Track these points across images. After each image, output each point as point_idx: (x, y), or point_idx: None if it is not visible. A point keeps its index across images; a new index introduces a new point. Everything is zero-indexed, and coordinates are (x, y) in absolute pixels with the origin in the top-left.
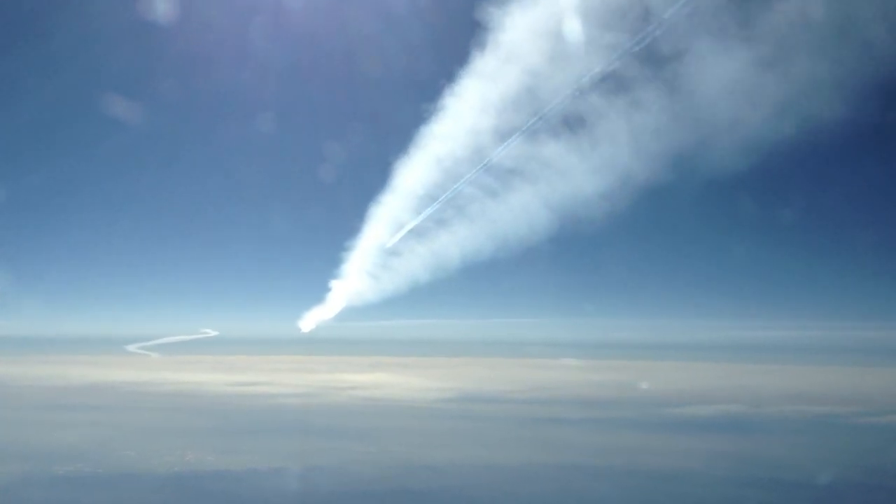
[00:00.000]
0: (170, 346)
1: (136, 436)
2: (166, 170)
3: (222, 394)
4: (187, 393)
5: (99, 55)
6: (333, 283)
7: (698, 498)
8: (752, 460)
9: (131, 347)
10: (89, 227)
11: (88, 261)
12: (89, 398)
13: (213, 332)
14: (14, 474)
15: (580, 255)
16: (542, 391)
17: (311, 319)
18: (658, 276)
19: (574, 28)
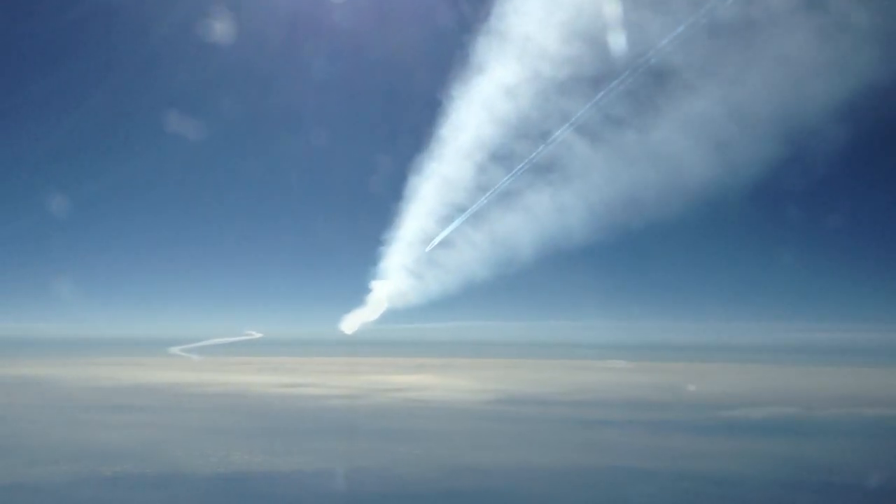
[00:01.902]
0: (214, 347)
1: (182, 437)
2: (210, 176)
3: (268, 395)
4: (233, 394)
5: (156, 71)
6: (375, 285)
7: (749, 501)
8: (804, 463)
9: (176, 349)
10: (136, 233)
11: (134, 264)
12: (137, 399)
13: (257, 334)
14: (63, 474)
15: (626, 256)
16: (588, 393)
17: (354, 321)
18: (704, 278)
19: (617, 21)
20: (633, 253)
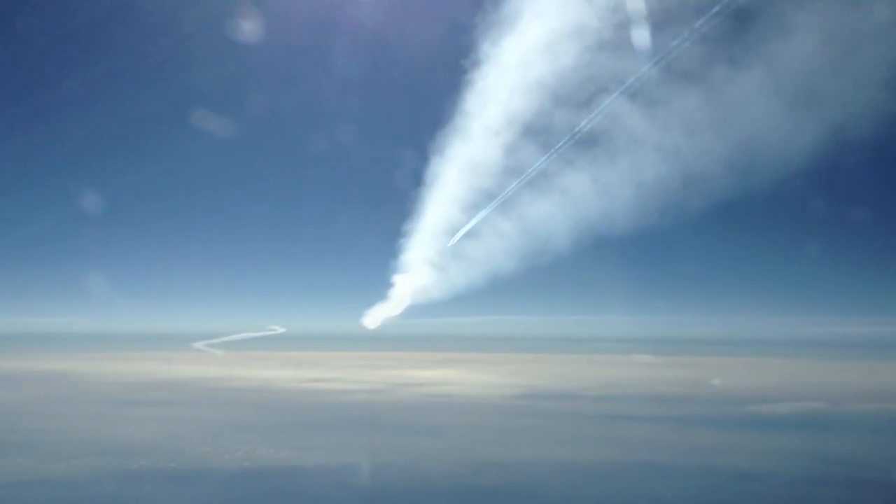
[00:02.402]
0: (238, 343)
1: (208, 431)
2: (233, 173)
3: (292, 390)
4: (257, 389)
5: (181, 70)
6: (397, 279)
7: (775, 497)
8: (830, 459)
9: (200, 345)
10: (160, 229)
11: (158, 260)
12: (162, 394)
13: (280, 329)
14: (90, 469)
15: (652, 250)
16: (614, 388)
17: (377, 316)
18: (730, 272)
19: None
20: (658, 246)
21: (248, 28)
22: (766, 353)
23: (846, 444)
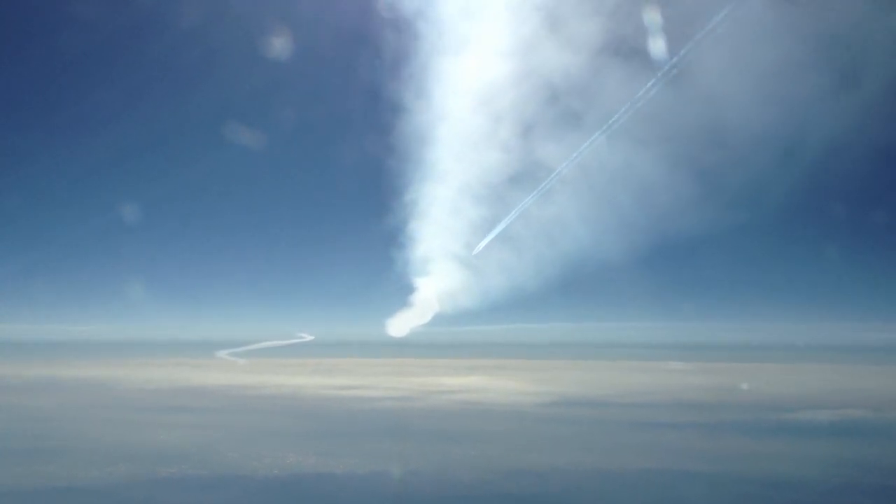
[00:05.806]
0: (267, 350)
1: (237, 438)
2: (260, 185)
3: (321, 397)
4: (287, 396)
5: (216, 84)
6: (423, 287)
7: None
8: (869, 466)
9: (229, 352)
10: (188, 239)
11: (186, 269)
12: (191, 401)
13: (309, 336)
14: (119, 475)
15: (681, 257)
16: (645, 395)
17: (405, 324)
18: (761, 277)
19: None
20: (687, 253)
21: (275, 42)
22: (798, 359)
23: (884, 451)
